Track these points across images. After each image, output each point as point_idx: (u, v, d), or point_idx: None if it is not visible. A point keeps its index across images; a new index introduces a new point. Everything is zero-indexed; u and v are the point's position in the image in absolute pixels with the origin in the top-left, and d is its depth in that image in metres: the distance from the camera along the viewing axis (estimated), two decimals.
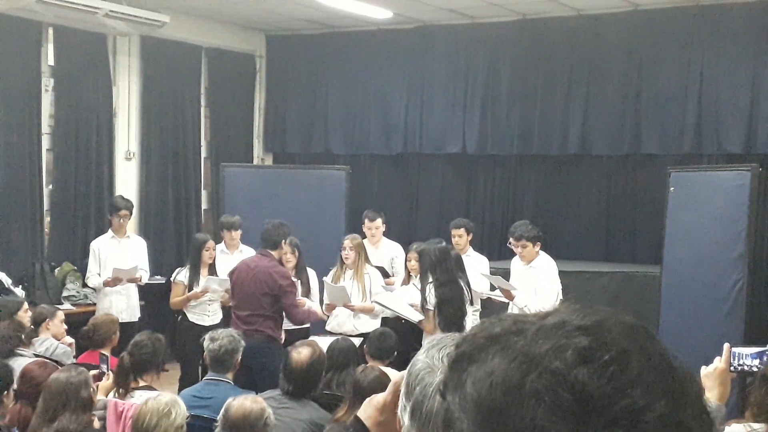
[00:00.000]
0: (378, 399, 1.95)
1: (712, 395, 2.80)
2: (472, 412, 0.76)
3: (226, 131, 10.62)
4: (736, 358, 2.88)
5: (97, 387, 4.37)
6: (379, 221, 7.84)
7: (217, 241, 7.73)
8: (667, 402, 0.74)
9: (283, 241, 6.62)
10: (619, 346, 0.75)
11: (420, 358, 1.56)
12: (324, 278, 7.02)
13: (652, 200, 8.93)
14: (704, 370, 2.85)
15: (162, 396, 3.86)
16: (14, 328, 5.23)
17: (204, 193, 10.48)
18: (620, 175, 9.60)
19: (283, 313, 6.57)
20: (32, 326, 5.59)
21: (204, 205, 10.48)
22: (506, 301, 6.84)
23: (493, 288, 7.06)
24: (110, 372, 4.92)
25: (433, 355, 1.54)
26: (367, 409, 1.95)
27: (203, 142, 10.45)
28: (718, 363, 2.86)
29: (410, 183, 10.57)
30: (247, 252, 7.81)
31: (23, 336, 5.24)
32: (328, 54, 10.51)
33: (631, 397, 0.73)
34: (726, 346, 2.88)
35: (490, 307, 7.13)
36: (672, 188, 7.68)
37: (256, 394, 4.43)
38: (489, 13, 9.33)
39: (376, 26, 10.10)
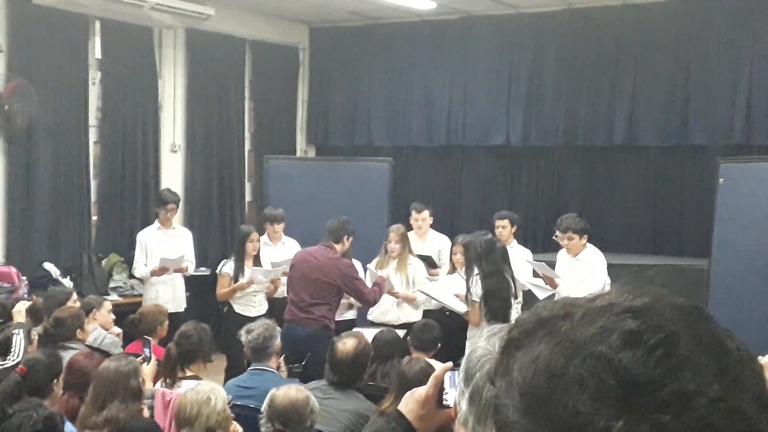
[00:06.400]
0: (419, 392, 1.93)
1: None
2: (517, 399, 0.74)
3: (270, 123, 10.66)
4: None
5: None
6: (426, 213, 7.82)
7: (260, 232, 7.76)
8: (720, 386, 0.70)
9: (346, 237, 6.69)
10: (668, 328, 0.73)
11: (480, 345, 1.55)
12: (368, 265, 7.07)
13: (700, 192, 8.78)
14: (760, 361, 2.79)
15: (200, 385, 3.89)
16: (71, 320, 5.26)
17: (248, 185, 10.54)
18: (668, 166, 9.44)
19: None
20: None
21: (248, 197, 10.54)
22: (550, 292, 6.79)
23: (536, 275, 7.01)
24: (153, 356, 4.96)
25: (494, 343, 1.53)
26: (409, 403, 1.94)
27: (247, 135, 10.50)
28: None
29: (453, 175, 10.51)
30: (290, 244, 7.85)
31: (78, 330, 5.27)
32: (371, 46, 10.50)
33: (679, 382, 0.70)
34: None
35: (532, 301, 7.07)
36: (721, 180, 7.54)
37: (301, 383, 4.45)
38: (534, 2, 9.24)
39: (419, 17, 10.06)
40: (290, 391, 3.70)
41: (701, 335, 0.73)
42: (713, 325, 0.76)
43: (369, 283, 7.06)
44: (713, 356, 0.72)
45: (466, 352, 1.54)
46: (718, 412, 0.70)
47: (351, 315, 7.32)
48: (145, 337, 5.31)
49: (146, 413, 4.09)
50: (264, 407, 3.71)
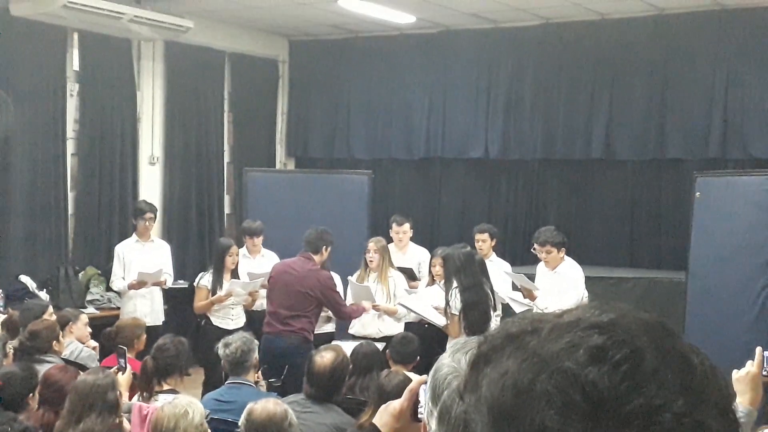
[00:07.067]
0: (394, 406, 1.93)
1: (744, 399, 2.76)
2: (485, 414, 0.75)
3: (249, 136, 10.65)
4: None
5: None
6: (406, 226, 7.83)
7: (239, 245, 7.75)
8: (685, 401, 0.71)
9: (324, 247, 6.69)
10: (634, 344, 0.73)
11: (445, 362, 1.54)
12: (349, 277, 7.07)
13: (676, 205, 8.86)
14: (735, 374, 2.81)
15: (177, 399, 3.88)
16: (46, 332, 5.21)
17: (227, 198, 10.51)
18: (645, 179, 9.52)
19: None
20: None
21: (227, 210, 10.51)
22: (527, 307, 6.81)
23: (515, 288, 7.03)
24: (128, 366, 4.93)
25: (459, 359, 1.52)
26: (384, 416, 1.94)
27: (226, 147, 10.48)
28: (750, 367, 2.82)
29: (432, 188, 10.54)
30: (269, 256, 7.84)
31: (54, 342, 5.22)
32: (350, 59, 10.52)
33: (645, 397, 0.70)
34: (758, 350, 2.85)
35: (511, 313, 7.09)
36: (698, 193, 7.60)
37: (279, 396, 4.43)
38: (512, 17, 9.30)
39: (398, 31, 10.10)
40: (268, 405, 3.68)
41: (666, 350, 0.74)
42: (678, 340, 0.76)
43: (350, 295, 7.07)
44: (678, 371, 0.73)
45: (432, 369, 1.53)
46: (683, 427, 0.70)
47: (330, 328, 7.31)
48: (120, 346, 5.26)
49: (127, 426, 4.05)
50: (241, 421, 3.69)
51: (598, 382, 0.71)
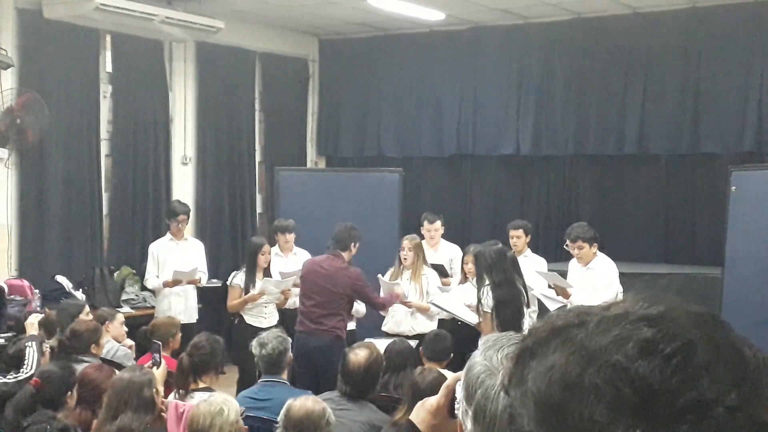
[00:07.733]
0: (431, 402, 1.92)
1: None
2: (532, 409, 0.73)
3: (280, 135, 10.69)
4: None
5: None
6: (438, 223, 7.83)
7: (272, 244, 7.78)
8: (738, 394, 0.69)
9: (353, 243, 6.71)
10: (685, 336, 0.71)
11: (477, 361, 1.53)
12: (379, 276, 7.06)
13: (711, 200, 8.75)
14: None
15: (213, 396, 3.90)
16: (88, 333, 5.25)
17: (259, 197, 10.57)
18: (679, 174, 9.41)
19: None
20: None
21: (259, 209, 10.56)
22: (561, 303, 6.77)
23: (549, 287, 6.99)
24: (163, 360, 4.96)
25: (491, 356, 1.51)
26: (420, 413, 1.93)
27: (257, 147, 10.53)
28: None
29: (464, 185, 10.50)
30: (301, 254, 7.86)
31: (93, 345, 5.26)
32: (380, 57, 10.52)
33: (697, 390, 0.69)
34: None
35: (546, 311, 7.04)
36: (734, 187, 7.52)
37: (316, 394, 4.45)
38: (543, 12, 9.25)
39: (428, 28, 10.08)
40: (307, 402, 3.70)
41: (718, 343, 0.72)
42: (730, 332, 0.75)
43: (382, 294, 7.07)
44: (730, 364, 0.71)
45: (465, 367, 1.52)
46: (736, 421, 0.69)
47: (350, 326, 7.31)
48: (155, 341, 5.30)
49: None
50: (280, 417, 3.71)
51: (649, 375, 0.69)
